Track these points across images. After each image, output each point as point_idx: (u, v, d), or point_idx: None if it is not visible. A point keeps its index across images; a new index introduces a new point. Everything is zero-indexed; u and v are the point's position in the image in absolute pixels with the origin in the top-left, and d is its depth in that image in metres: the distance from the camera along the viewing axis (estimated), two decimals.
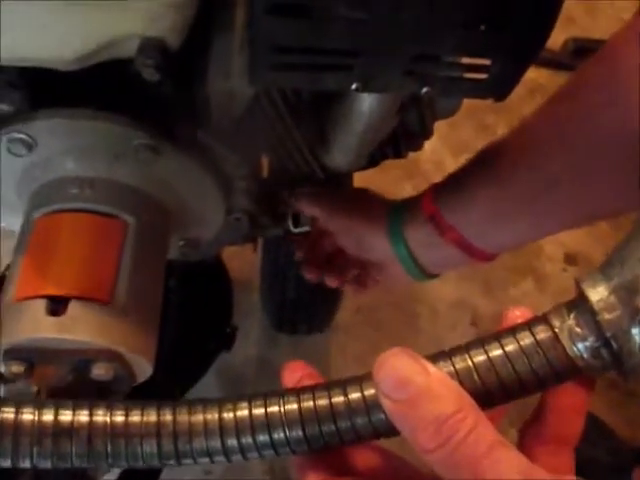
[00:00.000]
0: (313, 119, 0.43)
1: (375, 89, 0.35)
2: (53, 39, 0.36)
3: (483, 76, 0.35)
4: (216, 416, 0.27)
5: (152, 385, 0.52)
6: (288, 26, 0.31)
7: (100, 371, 0.38)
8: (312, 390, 0.27)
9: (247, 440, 0.27)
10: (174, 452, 0.27)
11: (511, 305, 0.29)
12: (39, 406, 0.27)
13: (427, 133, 0.48)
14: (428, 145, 1.57)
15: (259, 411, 0.27)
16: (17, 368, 0.37)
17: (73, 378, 0.38)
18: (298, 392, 0.27)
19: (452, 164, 1.36)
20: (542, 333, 0.25)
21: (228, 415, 0.27)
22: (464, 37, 0.32)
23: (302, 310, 0.90)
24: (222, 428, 0.27)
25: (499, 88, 0.36)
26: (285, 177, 0.53)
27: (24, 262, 0.39)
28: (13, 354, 0.37)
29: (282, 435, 0.26)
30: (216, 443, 0.27)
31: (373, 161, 0.49)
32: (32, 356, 0.37)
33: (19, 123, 0.40)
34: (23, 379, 0.37)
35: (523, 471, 0.22)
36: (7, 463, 0.26)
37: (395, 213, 0.49)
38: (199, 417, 0.27)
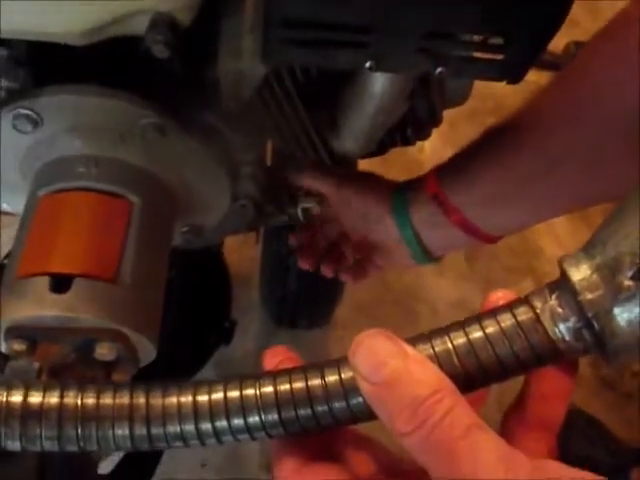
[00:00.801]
0: (323, 102, 0.42)
1: (388, 68, 0.35)
2: (62, 12, 0.35)
3: (498, 56, 0.34)
4: (190, 399, 0.26)
5: (149, 378, 0.51)
6: (301, 1, 0.30)
7: (103, 350, 0.37)
8: (289, 373, 0.26)
9: (222, 424, 0.26)
10: (147, 436, 0.26)
11: None
12: (8, 387, 0.26)
13: (436, 120, 0.47)
14: (429, 145, 1.57)
15: (234, 394, 0.26)
16: (19, 346, 0.36)
17: (76, 357, 0.37)
18: (274, 375, 0.26)
19: None
20: (523, 314, 0.25)
21: (202, 398, 0.26)
22: (480, 14, 0.32)
23: (302, 304, 0.89)
24: (196, 411, 0.26)
25: (514, 70, 0.36)
26: (291, 165, 0.53)
27: (28, 239, 0.39)
28: (15, 332, 0.36)
29: (257, 419, 0.26)
30: (190, 427, 0.26)
31: (381, 148, 0.49)
32: (35, 334, 0.36)
33: (25, 99, 0.40)
34: (25, 357, 0.36)
35: (502, 455, 0.21)
36: None
37: (400, 193, 0.49)
38: (173, 400, 0.26)
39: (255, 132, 0.47)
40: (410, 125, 0.47)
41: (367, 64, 0.34)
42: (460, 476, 0.21)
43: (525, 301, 0.25)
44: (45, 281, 0.37)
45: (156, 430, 0.26)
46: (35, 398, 0.26)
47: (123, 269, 0.39)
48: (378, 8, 0.30)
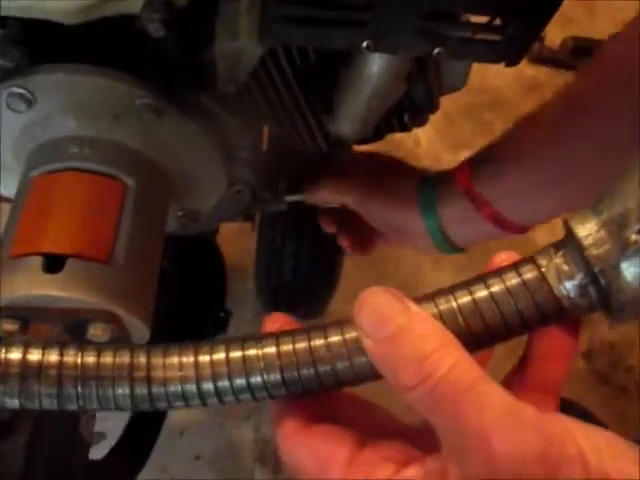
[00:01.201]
0: (319, 84, 0.42)
1: (386, 49, 0.34)
2: None
3: (497, 37, 0.34)
4: (192, 359, 0.26)
5: None
6: None
7: (96, 332, 0.37)
8: (291, 334, 0.26)
9: (224, 384, 0.26)
10: (147, 395, 0.26)
11: None
12: (7, 345, 0.26)
13: (433, 106, 0.47)
14: (426, 141, 1.57)
15: (236, 354, 0.26)
16: (11, 326, 0.36)
17: (68, 338, 0.37)
18: (277, 336, 0.26)
19: (450, 160, 1.36)
20: (528, 273, 0.24)
21: (204, 358, 0.26)
22: None
23: (297, 294, 0.89)
24: (198, 371, 0.26)
25: (512, 51, 0.35)
26: (288, 150, 0.52)
27: (21, 219, 0.38)
28: (7, 311, 0.36)
29: (260, 379, 0.25)
30: (192, 387, 0.26)
31: (378, 133, 0.49)
32: (27, 314, 0.36)
33: (19, 78, 0.39)
34: (17, 337, 0.36)
35: (508, 406, 0.21)
36: None
37: (427, 190, 0.49)
38: (174, 360, 0.26)
39: (251, 115, 0.47)
40: (407, 110, 0.47)
41: (364, 44, 0.33)
42: (466, 428, 0.21)
43: (530, 260, 0.25)
44: (38, 261, 0.36)
45: (157, 389, 0.26)
46: (34, 355, 0.26)
47: (117, 250, 0.38)
48: None
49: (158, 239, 0.43)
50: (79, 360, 0.26)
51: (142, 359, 0.26)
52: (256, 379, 0.26)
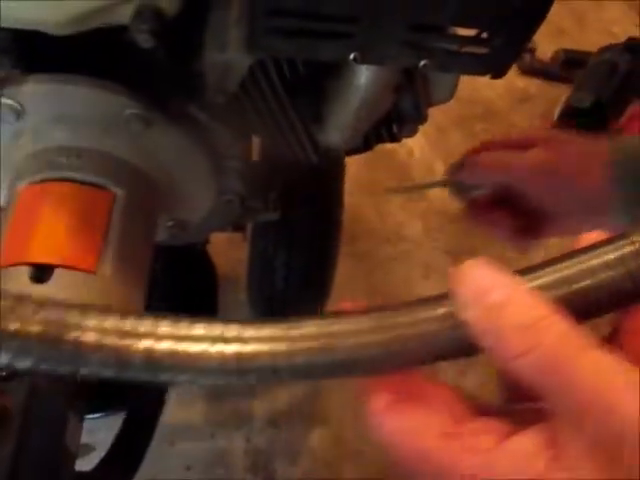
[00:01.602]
0: (308, 95, 0.42)
1: (373, 60, 0.35)
2: (46, 0, 0.35)
3: (483, 50, 0.35)
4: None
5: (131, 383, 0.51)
6: None
7: None
8: (382, 309, 0.25)
9: (323, 357, 0.25)
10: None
11: None
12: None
13: (421, 117, 0.47)
14: (418, 151, 1.57)
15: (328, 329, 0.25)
16: None
17: None
18: (368, 311, 0.25)
19: (442, 170, 1.36)
20: (626, 247, 0.24)
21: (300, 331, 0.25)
22: (464, 7, 0.32)
23: (289, 304, 0.89)
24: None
25: (498, 64, 0.36)
26: (277, 160, 0.53)
27: (10, 229, 0.39)
28: None
29: (353, 354, 0.24)
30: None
31: (367, 143, 0.49)
32: None
33: (8, 88, 0.39)
34: None
35: (625, 367, 0.21)
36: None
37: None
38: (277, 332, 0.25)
39: (240, 125, 0.47)
40: (395, 120, 0.47)
41: (352, 56, 0.34)
42: (584, 388, 0.20)
43: (624, 236, 0.25)
44: (25, 271, 0.36)
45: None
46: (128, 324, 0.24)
47: (104, 260, 0.38)
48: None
49: (147, 249, 0.43)
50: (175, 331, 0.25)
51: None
52: (349, 355, 0.25)
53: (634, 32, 1.56)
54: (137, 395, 0.58)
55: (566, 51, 1.55)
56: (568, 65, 1.52)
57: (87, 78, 0.40)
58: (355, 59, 0.33)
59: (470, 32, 0.35)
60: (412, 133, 0.49)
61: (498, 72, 0.36)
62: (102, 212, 0.40)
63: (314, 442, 1.02)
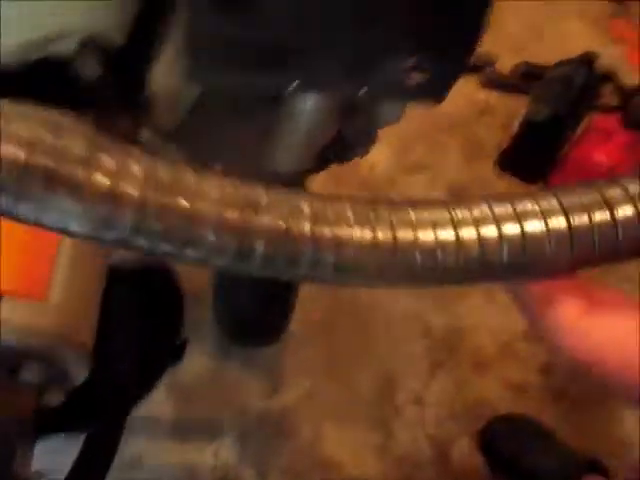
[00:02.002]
0: (258, 118, 0.43)
1: (313, 89, 0.36)
2: None
3: (421, 78, 0.36)
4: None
5: (98, 399, 0.51)
6: (224, 18, 0.31)
7: (30, 373, 0.36)
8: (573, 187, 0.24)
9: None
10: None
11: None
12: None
13: (371, 139, 0.48)
14: (381, 163, 1.59)
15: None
16: None
17: (2, 379, 0.37)
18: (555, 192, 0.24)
19: (405, 182, 1.38)
20: None
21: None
22: (400, 38, 0.33)
23: (255, 320, 0.89)
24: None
25: (437, 90, 0.37)
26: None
27: None
28: None
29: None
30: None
31: (320, 164, 0.50)
32: None
33: None
34: None
35: None
36: None
37: None
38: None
39: (193, 149, 0.47)
40: (346, 142, 0.48)
41: (290, 86, 0.35)
42: None
43: None
44: None
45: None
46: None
47: (53, 288, 0.38)
48: (298, 29, 0.31)
49: (98, 273, 0.43)
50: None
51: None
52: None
53: (590, 46, 1.61)
54: (98, 416, 0.58)
55: (526, 64, 1.59)
56: (527, 77, 1.55)
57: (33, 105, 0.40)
58: (295, 89, 0.34)
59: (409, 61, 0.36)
60: (364, 154, 0.50)
61: (438, 97, 0.38)
62: (51, 238, 0.40)
63: (284, 457, 1.02)
